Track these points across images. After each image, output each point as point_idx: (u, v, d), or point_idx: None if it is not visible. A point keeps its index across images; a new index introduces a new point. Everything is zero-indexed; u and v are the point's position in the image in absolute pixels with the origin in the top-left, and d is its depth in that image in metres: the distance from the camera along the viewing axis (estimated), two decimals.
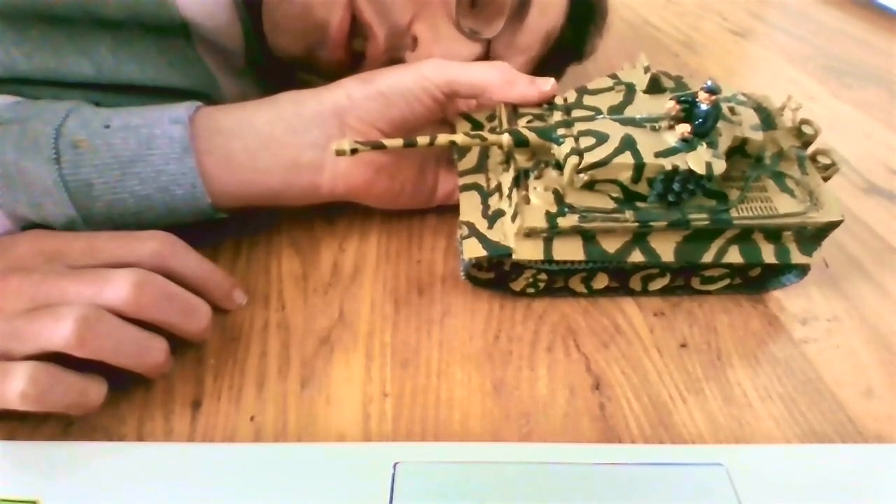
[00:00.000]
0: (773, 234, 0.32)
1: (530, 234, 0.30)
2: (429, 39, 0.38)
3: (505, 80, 0.33)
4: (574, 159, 0.29)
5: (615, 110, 0.32)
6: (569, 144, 0.30)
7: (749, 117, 0.32)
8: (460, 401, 0.30)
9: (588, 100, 0.33)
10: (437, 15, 0.38)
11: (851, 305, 0.36)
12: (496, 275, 0.34)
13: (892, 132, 0.55)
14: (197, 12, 0.34)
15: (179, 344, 0.30)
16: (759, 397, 0.31)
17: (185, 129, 0.30)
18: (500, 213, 0.33)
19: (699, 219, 0.31)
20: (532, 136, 0.31)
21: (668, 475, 0.26)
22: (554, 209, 0.30)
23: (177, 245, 0.30)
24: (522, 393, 0.30)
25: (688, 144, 0.30)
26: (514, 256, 0.31)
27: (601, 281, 0.35)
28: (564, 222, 0.30)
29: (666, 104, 0.31)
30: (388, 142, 0.30)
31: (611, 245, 0.31)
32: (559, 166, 0.31)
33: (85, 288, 0.26)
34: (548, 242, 0.31)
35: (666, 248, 0.32)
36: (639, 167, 0.29)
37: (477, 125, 0.37)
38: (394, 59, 0.40)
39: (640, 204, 0.31)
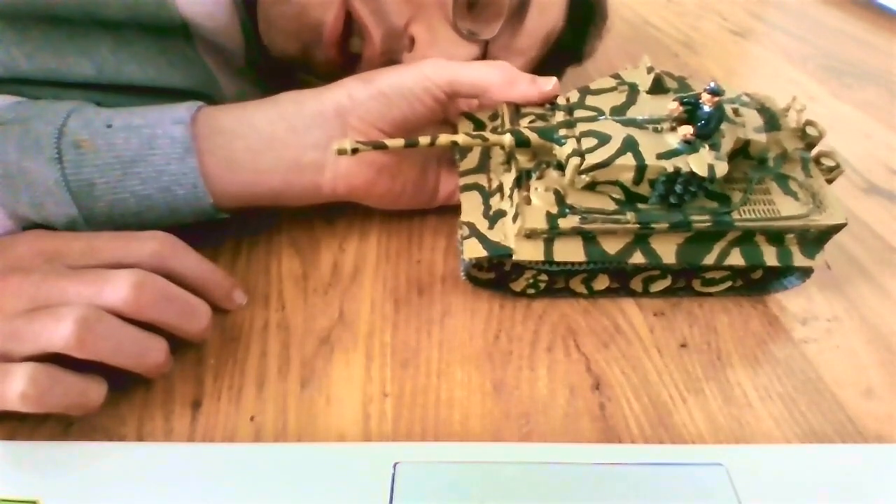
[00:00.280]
0: (776, 237, 0.32)
1: (531, 234, 0.30)
2: (426, 41, 0.38)
3: (506, 80, 0.33)
4: (576, 160, 0.29)
5: (618, 111, 0.32)
6: (570, 145, 0.30)
7: (752, 119, 0.32)
8: (460, 401, 0.30)
9: (590, 100, 0.33)
10: (434, 16, 0.38)
11: (851, 305, 0.36)
12: (496, 275, 0.34)
13: (892, 132, 0.55)
14: (197, 13, 0.35)
15: (179, 344, 0.30)
16: (759, 397, 0.31)
17: (186, 129, 0.30)
18: (501, 214, 0.33)
19: (701, 220, 0.30)
20: (533, 137, 0.31)
21: (668, 475, 0.26)
22: (555, 210, 0.30)
23: (176, 245, 0.30)
24: (522, 393, 0.30)
25: (690, 146, 0.30)
26: (514, 257, 0.31)
27: (602, 282, 0.35)
28: (565, 223, 0.30)
29: (669, 105, 0.31)
30: (389, 142, 0.30)
31: (612, 246, 0.31)
32: (561, 167, 0.31)
33: (85, 288, 0.26)
34: (548, 243, 0.31)
35: (667, 250, 0.31)
36: (640, 169, 0.29)
37: (479, 125, 0.37)
38: (391, 60, 0.39)
39: (641, 205, 0.31)
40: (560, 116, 0.33)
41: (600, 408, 0.30)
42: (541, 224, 0.30)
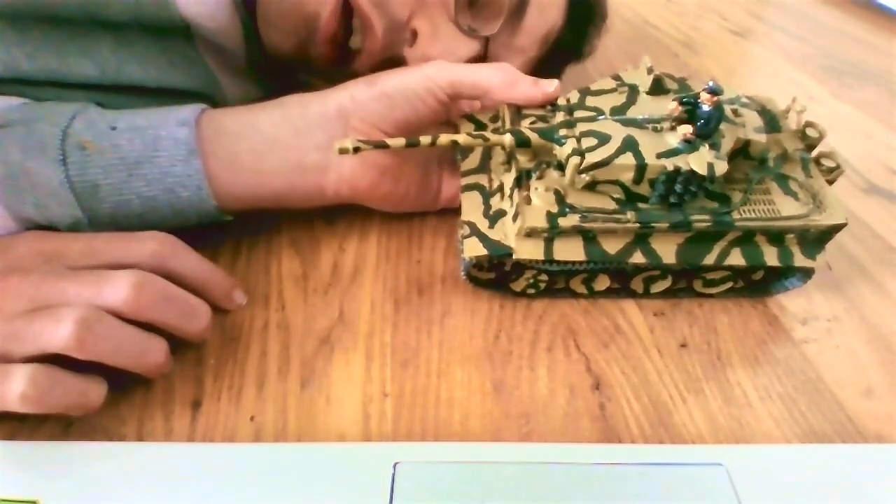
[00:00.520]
0: (776, 237, 0.32)
1: (531, 233, 0.30)
2: (427, 35, 0.38)
3: (508, 81, 0.33)
4: (576, 159, 0.29)
5: (618, 111, 0.32)
6: (570, 145, 0.30)
7: (752, 119, 0.32)
8: (460, 401, 0.30)
9: (591, 101, 0.33)
10: (436, 12, 0.38)
11: (851, 305, 0.36)
12: (497, 275, 0.34)
13: (892, 132, 0.55)
14: (197, 13, 0.35)
15: (179, 344, 0.30)
16: (759, 397, 0.31)
17: (191, 131, 0.30)
18: (501, 213, 0.33)
19: (701, 220, 0.30)
20: (534, 137, 0.31)
21: (668, 475, 0.26)
22: (555, 209, 0.30)
23: (176, 246, 0.30)
24: (522, 393, 0.30)
25: (690, 146, 0.30)
26: (514, 256, 0.31)
27: (602, 282, 0.35)
28: (565, 222, 0.30)
29: (668, 105, 0.31)
30: (390, 141, 0.30)
31: (612, 246, 0.31)
32: (561, 167, 0.31)
33: (84, 289, 0.26)
34: (548, 242, 0.31)
35: (667, 250, 0.31)
36: (640, 168, 0.29)
37: (480, 126, 0.37)
38: (391, 55, 0.39)
39: (641, 205, 0.31)
40: (560, 117, 0.33)
41: (600, 408, 0.30)
42: (541, 223, 0.30)
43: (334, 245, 0.38)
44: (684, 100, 0.31)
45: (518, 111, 0.34)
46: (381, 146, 0.30)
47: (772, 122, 0.34)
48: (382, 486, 0.25)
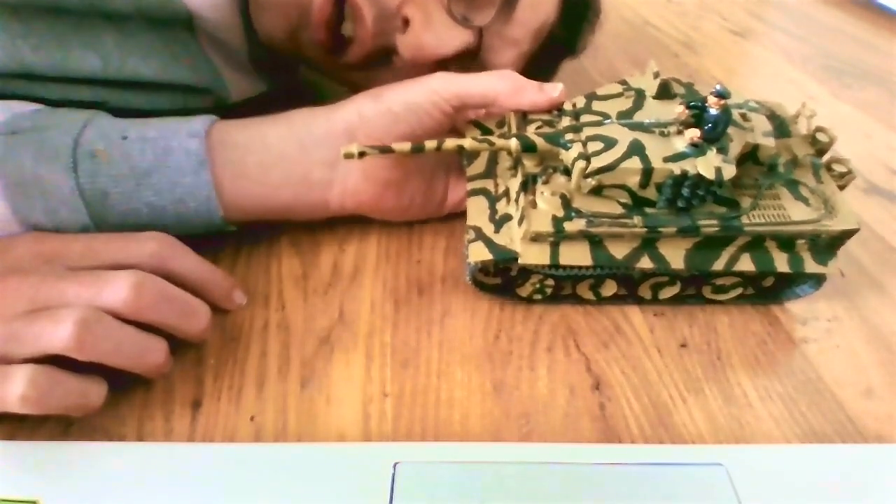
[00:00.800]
0: (787, 243, 0.31)
1: (537, 238, 0.30)
2: (420, 22, 0.38)
3: (514, 89, 0.33)
4: (581, 163, 0.29)
5: (624, 116, 0.32)
6: (576, 149, 0.30)
7: (761, 124, 0.32)
8: (460, 401, 0.30)
9: (597, 105, 0.33)
10: (428, 0, 0.38)
11: (851, 305, 0.36)
12: (503, 280, 0.34)
13: (892, 132, 0.55)
14: (200, 5, 0.35)
15: (179, 344, 0.30)
16: (759, 397, 0.31)
17: (201, 142, 0.31)
18: (507, 218, 0.33)
19: (709, 225, 0.30)
20: (540, 142, 0.31)
21: (668, 475, 0.26)
22: (561, 213, 0.30)
23: (176, 246, 0.30)
24: (522, 393, 0.30)
25: (697, 149, 0.29)
26: (520, 260, 0.31)
27: (609, 288, 0.34)
28: (571, 226, 0.30)
29: (675, 109, 0.31)
30: (396, 146, 0.30)
31: (619, 251, 0.31)
32: (567, 172, 0.31)
33: (84, 290, 0.26)
34: (554, 247, 0.31)
35: (675, 255, 0.31)
36: (647, 172, 0.29)
37: (486, 132, 0.36)
38: (383, 44, 0.39)
39: (648, 210, 0.31)
40: (566, 122, 0.32)
41: (600, 408, 0.30)
42: (546, 227, 0.30)
43: (334, 245, 0.38)
44: (691, 104, 0.30)
45: (524, 117, 0.34)
46: (387, 151, 0.30)
47: (781, 127, 0.34)
48: (382, 486, 0.25)
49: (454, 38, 0.38)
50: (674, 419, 0.30)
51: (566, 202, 0.30)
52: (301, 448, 0.27)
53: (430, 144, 0.30)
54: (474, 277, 0.33)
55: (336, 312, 0.34)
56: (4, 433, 0.27)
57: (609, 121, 0.32)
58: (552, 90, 0.34)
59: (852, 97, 0.60)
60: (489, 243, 0.32)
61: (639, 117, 0.32)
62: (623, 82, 0.35)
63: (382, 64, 0.40)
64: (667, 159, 0.29)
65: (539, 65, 0.42)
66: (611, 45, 0.68)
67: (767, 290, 0.35)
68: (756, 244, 0.31)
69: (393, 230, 0.39)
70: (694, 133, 0.29)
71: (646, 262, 0.31)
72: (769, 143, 0.31)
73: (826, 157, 0.34)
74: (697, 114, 0.30)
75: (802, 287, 0.34)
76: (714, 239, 0.31)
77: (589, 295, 0.35)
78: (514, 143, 0.31)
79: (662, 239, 0.31)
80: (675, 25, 0.75)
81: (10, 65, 0.31)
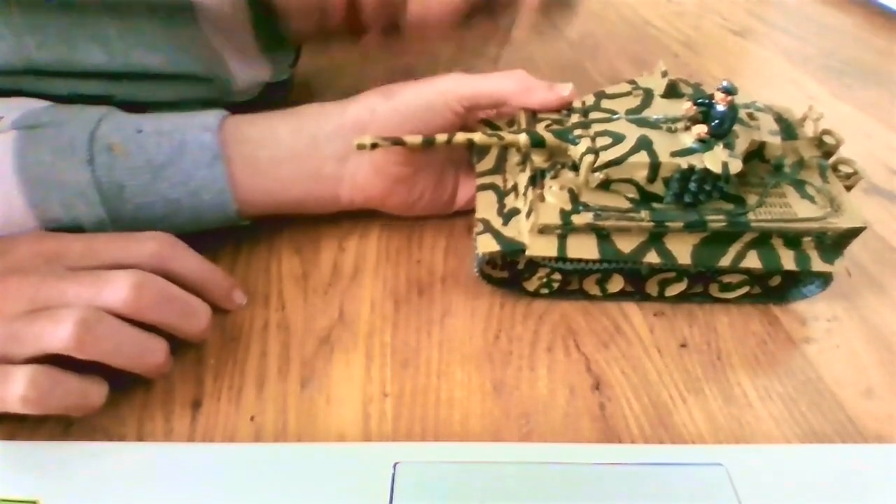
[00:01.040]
0: (793, 240, 0.31)
1: (544, 230, 0.31)
2: None
3: (524, 88, 0.34)
4: (590, 157, 0.30)
5: (633, 113, 0.32)
6: (585, 144, 0.30)
7: (767, 123, 0.32)
8: (460, 401, 0.30)
9: (606, 103, 0.34)
10: None
11: (851, 305, 0.36)
12: (510, 274, 0.34)
13: (892, 132, 0.55)
14: None
15: (179, 344, 0.30)
16: (759, 397, 0.31)
17: (214, 135, 0.31)
18: (515, 212, 0.33)
19: (716, 220, 0.30)
20: (549, 137, 0.31)
21: (668, 475, 0.26)
22: (569, 207, 0.30)
23: (176, 246, 0.30)
24: (522, 393, 0.30)
25: (704, 145, 0.30)
26: (527, 252, 0.31)
27: (616, 283, 0.34)
28: (579, 219, 0.30)
29: (683, 106, 0.31)
30: (407, 138, 0.31)
31: (626, 245, 0.31)
32: (575, 167, 0.31)
33: (84, 290, 0.26)
34: (562, 240, 0.31)
35: (682, 250, 0.31)
36: (654, 166, 0.30)
37: (497, 130, 0.37)
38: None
39: (656, 205, 0.31)
40: (575, 119, 0.33)
41: (600, 408, 0.30)
42: (554, 220, 0.30)
43: (334, 245, 0.38)
44: (699, 100, 0.31)
45: (534, 115, 0.35)
46: (399, 143, 0.30)
47: (788, 130, 0.34)
48: (382, 486, 0.25)
49: None
50: (674, 419, 0.30)
51: (574, 196, 0.31)
52: (301, 448, 0.27)
53: (441, 138, 0.31)
54: (482, 270, 0.33)
55: (336, 312, 0.34)
56: (4, 433, 0.27)
57: (617, 116, 0.32)
58: (562, 89, 0.34)
59: (852, 97, 0.60)
60: (497, 235, 0.32)
61: (647, 115, 0.32)
62: (632, 82, 0.35)
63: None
64: (674, 154, 0.30)
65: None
66: (611, 45, 0.68)
67: (774, 289, 0.35)
68: (762, 241, 0.31)
69: (393, 230, 0.39)
70: (701, 129, 0.30)
71: (653, 257, 0.31)
72: (775, 141, 0.32)
73: (832, 159, 0.34)
74: (705, 111, 0.31)
75: (809, 287, 0.34)
76: (721, 235, 0.31)
77: (595, 290, 0.35)
78: (523, 138, 0.31)
79: (669, 234, 0.31)
80: (675, 25, 0.75)
81: (17, 62, 0.31)
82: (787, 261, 0.32)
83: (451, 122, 0.34)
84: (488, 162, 0.36)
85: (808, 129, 0.35)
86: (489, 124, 0.37)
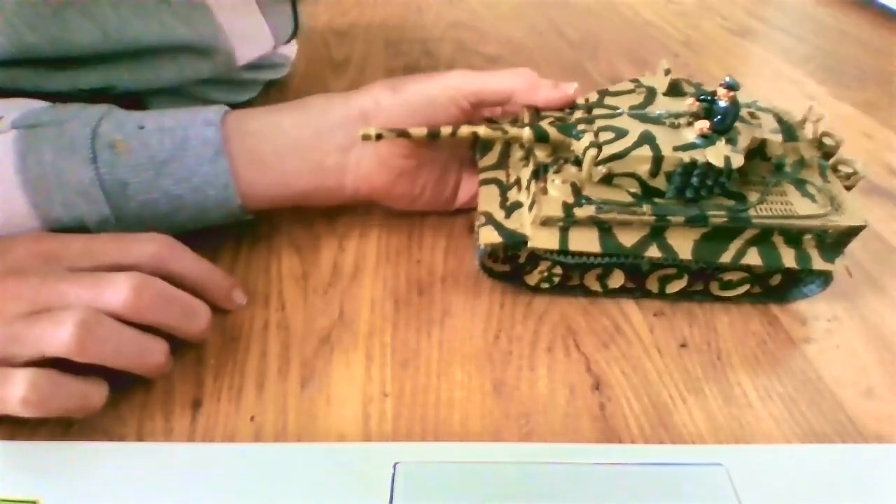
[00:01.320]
0: (794, 238, 0.32)
1: (546, 222, 0.31)
2: None
3: (530, 85, 0.34)
4: (593, 151, 0.30)
5: (636, 109, 0.33)
6: (588, 138, 0.31)
7: (768, 121, 0.33)
8: (460, 401, 0.30)
9: (609, 100, 0.34)
10: None
11: (851, 305, 0.36)
12: (511, 268, 0.34)
13: (892, 132, 0.55)
14: None
15: (179, 344, 0.30)
16: (759, 397, 0.31)
17: (217, 130, 0.31)
18: (517, 205, 0.33)
19: (718, 215, 0.31)
20: (552, 132, 0.31)
21: (668, 475, 0.26)
22: (571, 200, 0.31)
23: (175, 247, 0.30)
24: (522, 393, 0.30)
25: (707, 140, 0.30)
26: (529, 244, 0.31)
27: (617, 279, 0.34)
28: (581, 212, 0.30)
29: (685, 102, 0.31)
30: (412, 130, 0.31)
31: (627, 239, 0.31)
32: (578, 162, 0.31)
33: (84, 292, 0.26)
34: (564, 232, 0.31)
35: (683, 246, 0.31)
36: (657, 160, 0.30)
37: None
38: None
39: (657, 200, 0.31)
40: (579, 115, 0.33)
41: (600, 408, 0.30)
42: (557, 212, 0.30)
43: (334, 245, 0.38)
44: (701, 96, 0.31)
45: (537, 113, 0.35)
46: (404, 135, 0.31)
47: (789, 132, 0.34)
48: (382, 486, 0.25)
49: None
50: (674, 419, 0.30)
51: (577, 190, 0.31)
52: (301, 448, 0.27)
53: (446, 131, 0.31)
54: (483, 263, 0.33)
55: (336, 312, 0.34)
56: (4, 433, 0.27)
57: (620, 111, 0.32)
58: (567, 87, 0.35)
59: (852, 97, 0.60)
60: (499, 227, 0.32)
61: (649, 111, 0.32)
62: (635, 81, 0.35)
63: None
64: (676, 148, 0.30)
65: None
66: (611, 45, 0.68)
67: (774, 289, 0.35)
68: (763, 238, 0.32)
69: (393, 230, 0.39)
70: (703, 124, 0.30)
71: (654, 252, 0.31)
72: (776, 139, 0.32)
73: (832, 160, 0.35)
74: (707, 107, 0.31)
75: (810, 287, 0.34)
76: (722, 231, 0.31)
77: (596, 286, 0.35)
78: (527, 133, 0.31)
79: (671, 228, 0.31)
80: (675, 25, 0.75)
81: (12, 50, 0.31)
82: (788, 259, 0.32)
83: (456, 119, 0.34)
84: (491, 157, 0.37)
85: (808, 131, 0.35)
86: (494, 123, 0.37)
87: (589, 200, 0.31)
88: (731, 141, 0.30)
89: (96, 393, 0.26)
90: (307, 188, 0.34)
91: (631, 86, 0.35)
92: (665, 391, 0.31)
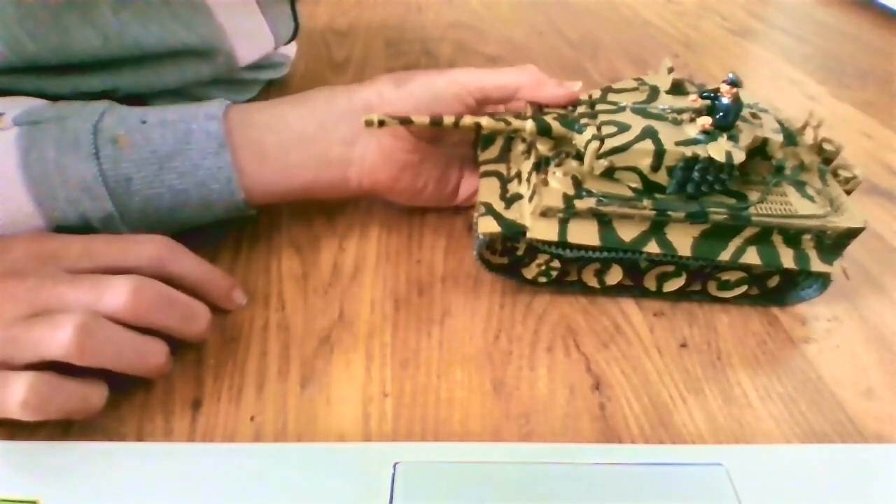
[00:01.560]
0: (793, 239, 0.32)
1: (546, 213, 0.31)
2: None
3: (535, 82, 0.34)
4: (595, 144, 0.30)
5: (639, 105, 0.33)
6: (590, 131, 0.31)
7: (769, 121, 0.33)
8: (460, 401, 0.30)
9: (612, 97, 0.34)
10: None
11: (851, 305, 0.36)
12: (509, 260, 0.34)
13: (892, 132, 0.55)
14: None
15: (179, 344, 0.30)
16: (759, 397, 0.31)
17: (220, 123, 0.31)
18: (517, 197, 0.33)
19: (718, 212, 0.31)
20: (555, 125, 0.32)
21: (668, 475, 0.26)
22: (572, 192, 0.31)
23: (174, 248, 0.30)
24: (522, 393, 0.30)
25: (709, 136, 0.30)
26: (528, 234, 0.31)
27: (615, 275, 0.34)
28: (581, 204, 0.30)
29: (688, 98, 0.32)
30: (415, 117, 0.31)
31: (627, 233, 0.31)
32: (580, 157, 0.32)
33: (83, 294, 0.26)
34: (563, 224, 0.31)
35: (683, 242, 0.31)
36: (659, 154, 0.30)
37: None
38: None
39: (658, 195, 0.31)
40: (582, 110, 0.33)
41: (600, 408, 0.30)
42: (557, 203, 0.30)
43: (334, 245, 0.38)
44: (704, 93, 0.31)
45: (540, 110, 0.35)
46: (406, 122, 0.31)
47: (789, 137, 0.35)
48: (382, 486, 0.25)
49: None
50: (674, 419, 0.30)
51: (577, 183, 0.31)
52: (301, 448, 0.27)
53: (449, 119, 0.31)
54: (481, 254, 0.33)
55: (336, 312, 0.34)
56: (4, 433, 0.27)
57: (623, 105, 0.32)
58: (571, 85, 0.35)
59: (852, 97, 0.60)
60: (499, 217, 0.32)
61: (652, 107, 0.33)
62: (638, 79, 0.36)
63: None
64: (678, 143, 0.30)
65: None
66: (611, 45, 0.68)
67: (772, 291, 0.35)
68: (763, 237, 0.32)
69: (393, 229, 0.39)
70: (706, 121, 0.30)
71: (653, 247, 0.31)
72: (777, 138, 0.32)
73: (832, 164, 0.35)
74: (710, 104, 0.31)
75: (807, 290, 0.34)
76: (721, 228, 0.31)
77: (594, 282, 0.35)
78: (529, 125, 0.31)
79: (671, 224, 0.31)
80: (675, 25, 0.75)
81: (13, 59, 0.31)
82: (787, 259, 0.32)
83: (459, 114, 0.34)
84: (492, 151, 0.37)
85: (808, 137, 0.36)
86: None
87: (590, 193, 0.31)
88: (733, 138, 0.30)
89: (96, 394, 0.26)
90: (311, 181, 0.34)
91: (634, 84, 0.35)
92: (665, 391, 0.31)
